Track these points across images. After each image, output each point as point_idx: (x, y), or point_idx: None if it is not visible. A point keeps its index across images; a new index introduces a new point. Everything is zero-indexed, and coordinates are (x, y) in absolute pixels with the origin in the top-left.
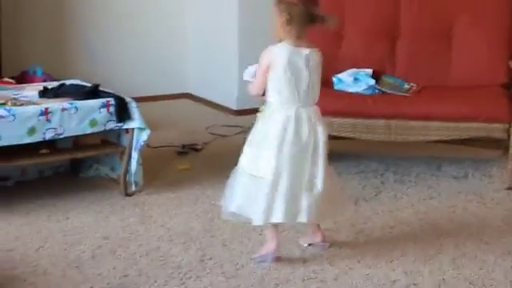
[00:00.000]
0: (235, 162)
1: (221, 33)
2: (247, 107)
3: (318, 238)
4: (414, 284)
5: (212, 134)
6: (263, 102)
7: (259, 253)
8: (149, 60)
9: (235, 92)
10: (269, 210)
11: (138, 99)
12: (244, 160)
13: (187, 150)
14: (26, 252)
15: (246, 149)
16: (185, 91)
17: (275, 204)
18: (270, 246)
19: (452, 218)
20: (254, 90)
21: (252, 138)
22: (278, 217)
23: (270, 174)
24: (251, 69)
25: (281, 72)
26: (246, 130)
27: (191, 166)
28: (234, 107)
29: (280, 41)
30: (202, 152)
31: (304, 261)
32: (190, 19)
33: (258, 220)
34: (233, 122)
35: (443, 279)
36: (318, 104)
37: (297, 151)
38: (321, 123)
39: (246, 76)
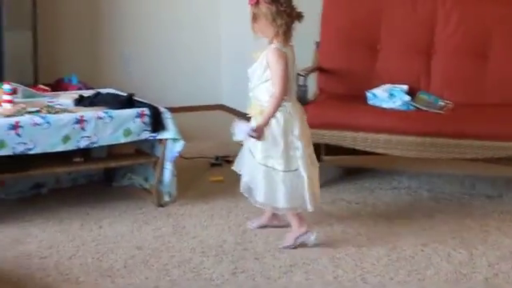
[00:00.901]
0: None
1: (253, 43)
2: None
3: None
4: None
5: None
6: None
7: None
8: (183, 71)
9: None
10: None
11: (171, 109)
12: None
13: (220, 161)
14: (60, 260)
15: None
16: (218, 102)
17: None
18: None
19: (485, 237)
20: (281, 94)
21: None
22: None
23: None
24: (243, 126)
25: (289, 72)
26: None
27: (224, 178)
28: None
29: (273, 40)
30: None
31: (336, 277)
32: (224, 30)
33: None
34: None
35: None
36: (352, 118)
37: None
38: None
39: (241, 135)
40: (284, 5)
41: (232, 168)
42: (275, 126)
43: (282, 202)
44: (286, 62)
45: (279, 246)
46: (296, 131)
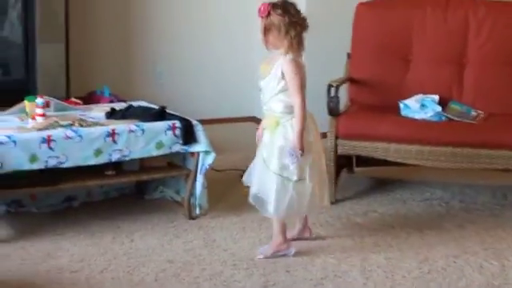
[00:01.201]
0: None
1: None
2: None
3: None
4: None
5: None
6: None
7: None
8: (214, 83)
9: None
10: None
11: (203, 122)
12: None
13: None
14: (91, 274)
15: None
16: (250, 114)
17: None
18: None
19: None
20: (304, 104)
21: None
22: None
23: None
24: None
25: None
26: None
27: None
28: None
29: (287, 51)
30: None
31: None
32: (255, 43)
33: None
34: None
35: None
36: (384, 129)
37: None
38: None
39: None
40: (296, 15)
41: (242, 180)
42: (292, 136)
43: (282, 209)
44: (303, 72)
45: (257, 257)
46: (311, 139)
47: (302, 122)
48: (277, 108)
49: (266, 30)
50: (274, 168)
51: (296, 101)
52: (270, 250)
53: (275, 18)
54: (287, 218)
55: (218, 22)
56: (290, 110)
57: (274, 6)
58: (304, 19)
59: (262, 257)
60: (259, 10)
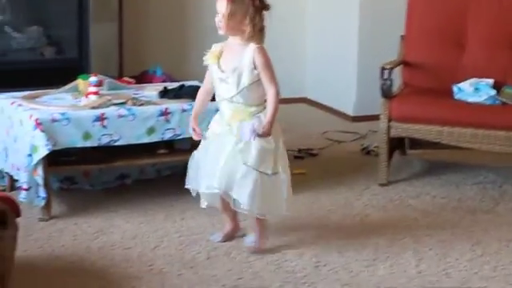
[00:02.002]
0: (351, 169)
1: (340, 37)
2: (365, 114)
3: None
4: None
5: (328, 139)
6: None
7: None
8: None
9: (353, 98)
10: None
11: None
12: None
13: (303, 154)
14: (143, 251)
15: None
16: (302, 96)
17: None
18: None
19: None
20: (278, 92)
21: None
22: None
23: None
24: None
25: None
26: (363, 137)
27: (307, 171)
28: (352, 113)
29: (251, 39)
30: (317, 157)
31: (419, 271)
32: (309, 23)
33: None
34: (349, 128)
35: None
36: (438, 112)
37: None
38: None
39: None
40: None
41: (187, 186)
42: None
43: (259, 206)
44: None
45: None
46: (279, 130)
47: (277, 109)
48: (250, 100)
49: (231, 15)
50: (253, 163)
51: (272, 90)
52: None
53: (243, 1)
54: (266, 215)
55: (272, 2)
56: (262, 100)
57: None
58: (268, 3)
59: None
60: None
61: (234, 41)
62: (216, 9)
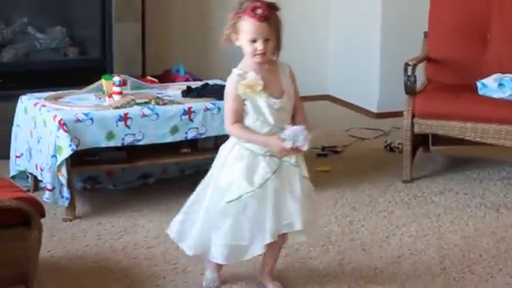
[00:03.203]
0: (375, 166)
1: (363, 33)
2: (388, 110)
3: None
4: None
5: (352, 136)
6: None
7: None
8: (290, 61)
9: (376, 95)
10: None
11: None
12: None
13: (327, 152)
14: (167, 250)
15: None
16: (325, 93)
17: None
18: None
19: None
20: None
21: None
22: None
23: None
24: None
25: None
26: (386, 134)
27: (331, 168)
28: (375, 110)
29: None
30: (341, 154)
31: (443, 268)
32: (333, 20)
33: None
34: (373, 125)
35: None
36: (462, 108)
37: None
38: None
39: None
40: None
41: (173, 238)
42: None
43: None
44: None
45: None
46: None
47: None
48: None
49: (275, 38)
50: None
51: (303, 109)
52: None
53: (276, 19)
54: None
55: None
56: None
57: (270, 4)
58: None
59: None
60: (257, 12)
61: (268, 64)
62: (251, 35)
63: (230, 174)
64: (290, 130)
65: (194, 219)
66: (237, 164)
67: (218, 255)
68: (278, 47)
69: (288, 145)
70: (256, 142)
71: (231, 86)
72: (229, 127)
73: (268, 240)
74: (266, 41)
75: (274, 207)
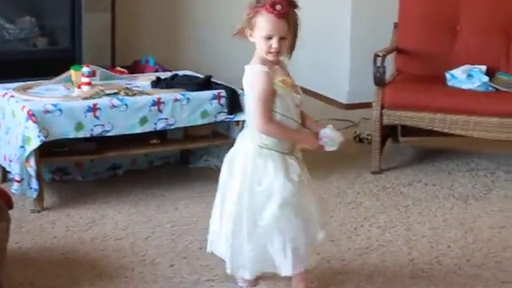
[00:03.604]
0: (344, 157)
1: (333, 25)
2: (358, 101)
3: None
4: None
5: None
6: None
7: None
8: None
9: (346, 86)
10: None
11: None
12: None
13: None
14: (135, 241)
15: None
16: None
17: None
18: None
19: None
20: None
21: None
22: None
23: None
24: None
25: None
26: (355, 125)
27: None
28: (345, 101)
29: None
30: None
31: (411, 259)
32: (303, 11)
33: None
34: (342, 116)
35: None
36: (431, 99)
37: None
38: None
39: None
40: None
41: (210, 251)
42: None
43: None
44: None
45: None
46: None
47: None
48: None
49: (284, 37)
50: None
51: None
52: None
53: (295, 16)
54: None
55: None
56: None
57: (290, 1)
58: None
59: None
60: (276, 8)
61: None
62: (267, 32)
63: (268, 178)
64: (330, 130)
65: (240, 244)
66: (271, 166)
67: (297, 262)
68: (292, 47)
69: (326, 145)
70: (295, 139)
71: (266, 82)
72: (266, 126)
73: (322, 231)
74: (281, 39)
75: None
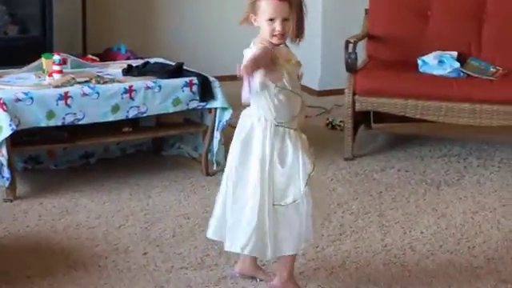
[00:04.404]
0: (316, 144)
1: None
2: (330, 88)
3: None
4: (497, 271)
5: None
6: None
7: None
8: (231, 39)
9: (318, 72)
10: None
11: (220, 78)
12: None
13: None
14: (108, 230)
15: None
16: None
17: None
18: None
19: None
20: None
21: None
22: None
23: None
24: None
25: None
26: (328, 112)
27: None
28: (317, 88)
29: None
30: None
31: (384, 245)
32: None
33: None
34: (314, 102)
35: None
36: (402, 86)
37: None
38: None
39: None
40: None
41: (209, 236)
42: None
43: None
44: None
45: None
46: None
47: None
48: None
49: (287, 19)
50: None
51: None
52: None
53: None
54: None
55: None
56: None
57: None
58: None
59: None
60: None
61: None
62: (269, 14)
63: (289, 157)
64: None
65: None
66: (290, 144)
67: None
68: (300, 32)
69: None
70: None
71: (262, 49)
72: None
73: None
74: (284, 20)
75: None
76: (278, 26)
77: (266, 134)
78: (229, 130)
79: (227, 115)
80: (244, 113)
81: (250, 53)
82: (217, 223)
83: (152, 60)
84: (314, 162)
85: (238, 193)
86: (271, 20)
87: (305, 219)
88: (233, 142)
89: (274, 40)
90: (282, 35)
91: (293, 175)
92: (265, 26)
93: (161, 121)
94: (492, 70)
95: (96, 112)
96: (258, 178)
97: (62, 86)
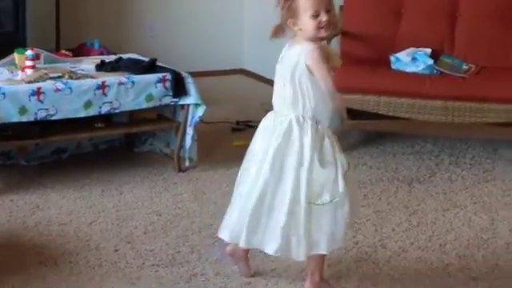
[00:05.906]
0: None
1: (277, 8)
2: None
3: None
4: (468, 269)
5: (267, 110)
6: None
7: None
8: (205, 35)
9: None
10: None
11: (193, 74)
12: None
13: (242, 126)
14: (79, 226)
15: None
16: (239, 67)
17: None
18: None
19: (507, 202)
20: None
21: None
22: None
23: None
24: None
25: None
26: None
27: (247, 142)
28: None
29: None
30: (256, 128)
31: (356, 242)
32: None
33: None
34: None
35: (496, 264)
36: (375, 82)
37: None
38: None
39: None
40: None
41: (223, 237)
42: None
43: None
44: None
45: None
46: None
47: None
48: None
49: (329, 10)
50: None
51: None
52: None
53: None
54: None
55: None
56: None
57: None
58: None
59: None
60: None
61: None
62: (313, 9)
63: (329, 156)
64: None
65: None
66: (329, 143)
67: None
68: (334, 25)
69: None
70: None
71: (322, 56)
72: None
73: None
74: (327, 11)
75: None
76: (323, 16)
77: (307, 133)
78: (201, 126)
79: (200, 111)
80: (274, 114)
81: (315, 51)
82: (234, 227)
83: (125, 56)
84: (348, 160)
85: (270, 196)
86: (314, 16)
87: (341, 218)
88: (261, 142)
89: (322, 32)
90: (329, 25)
91: (330, 174)
92: (309, 23)
93: (134, 117)
94: (465, 67)
95: (69, 108)
96: (293, 178)
97: (35, 81)
